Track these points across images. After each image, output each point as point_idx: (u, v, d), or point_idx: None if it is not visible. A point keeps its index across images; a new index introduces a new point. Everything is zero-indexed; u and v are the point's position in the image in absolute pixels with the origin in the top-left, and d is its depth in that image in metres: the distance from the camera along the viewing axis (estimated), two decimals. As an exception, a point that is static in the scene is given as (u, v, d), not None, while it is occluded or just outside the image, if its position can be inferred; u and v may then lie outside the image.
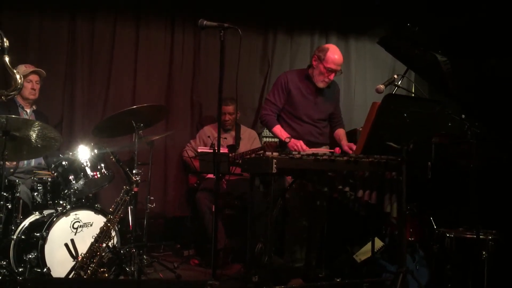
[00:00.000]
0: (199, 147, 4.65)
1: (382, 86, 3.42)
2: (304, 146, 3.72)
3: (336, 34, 5.64)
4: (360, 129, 4.25)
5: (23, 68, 4.06)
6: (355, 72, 5.69)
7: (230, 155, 4.14)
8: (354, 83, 5.69)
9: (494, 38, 3.64)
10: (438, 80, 4.09)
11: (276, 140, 4.34)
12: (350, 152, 3.79)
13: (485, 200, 3.51)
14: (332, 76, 3.85)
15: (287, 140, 3.77)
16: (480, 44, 3.69)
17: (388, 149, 3.14)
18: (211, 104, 5.17)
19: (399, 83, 3.62)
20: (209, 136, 4.78)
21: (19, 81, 2.56)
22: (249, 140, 4.90)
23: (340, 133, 4.06)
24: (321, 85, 3.89)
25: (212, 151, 3.97)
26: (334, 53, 3.80)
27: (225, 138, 4.74)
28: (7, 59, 2.48)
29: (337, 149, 3.90)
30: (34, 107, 4.21)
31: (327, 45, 3.96)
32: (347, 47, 5.65)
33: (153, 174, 4.29)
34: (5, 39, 2.46)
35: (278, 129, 3.87)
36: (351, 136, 4.48)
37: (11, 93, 2.62)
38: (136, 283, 3.05)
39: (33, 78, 4.11)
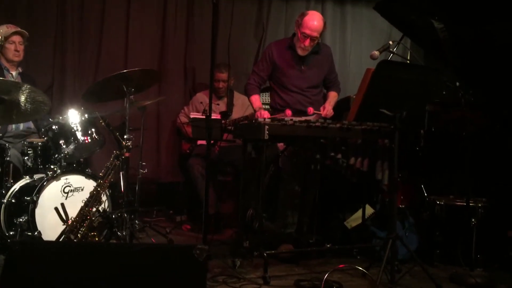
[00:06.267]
0: (191, 113, 4.61)
1: (376, 52, 3.35)
2: (266, 116, 3.60)
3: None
4: (354, 96, 4.21)
5: (4, 29, 3.95)
6: (351, 39, 5.61)
7: (223, 121, 4.11)
8: (350, 50, 5.61)
9: (493, 3, 3.57)
10: (434, 47, 4.04)
11: (268, 107, 4.29)
12: (321, 113, 3.75)
13: (475, 167, 3.52)
14: (307, 42, 3.72)
15: (257, 109, 3.79)
16: (479, 9, 3.62)
17: (381, 116, 3.11)
18: (204, 69, 5.08)
19: (395, 49, 3.55)
20: (201, 102, 4.73)
21: None
22: (242, 107, 4.85)
23: (330, 95, 4.01)
24: (300, 52, 3.81)
25: (204, 117, 3.93)
26: (311, 19, 3.70)
27: (218, 105, 4.70)
28: None
29: (310, 109, 3.80)
30: (20, 69, 4.10)
31: (308, 11, 3.85)
32: (343, 13, 5.56)
33: (145, 140, 4.26)
34: None
35: (254, 98, 3.90)
36: (345, 103, 4.45)
37: None
38: (126, 246, 3.06)
39: (15, 39, 3.96)
